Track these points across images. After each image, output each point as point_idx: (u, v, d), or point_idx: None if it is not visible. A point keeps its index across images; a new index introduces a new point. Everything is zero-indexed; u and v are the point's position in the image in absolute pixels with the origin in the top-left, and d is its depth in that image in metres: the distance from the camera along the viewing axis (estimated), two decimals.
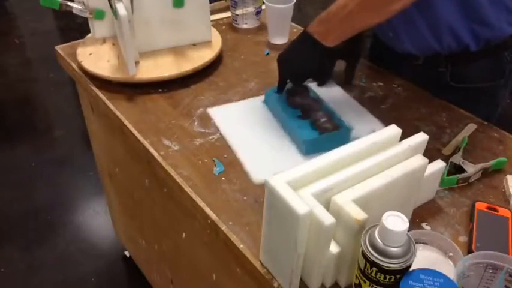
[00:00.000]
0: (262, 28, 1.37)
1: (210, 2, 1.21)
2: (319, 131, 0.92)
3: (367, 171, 0.67)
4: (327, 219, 0.59)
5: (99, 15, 1.15)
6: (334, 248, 0.64)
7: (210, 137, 0.98)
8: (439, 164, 0.81)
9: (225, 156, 0.93)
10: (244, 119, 1.02)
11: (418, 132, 0.73)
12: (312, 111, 0.96)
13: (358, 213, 0.61)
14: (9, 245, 1.93)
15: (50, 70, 2.91)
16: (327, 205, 0.64)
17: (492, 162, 0.88)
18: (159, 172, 0.94)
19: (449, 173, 0.86)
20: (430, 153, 0.91)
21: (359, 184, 0.65)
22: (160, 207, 1.14)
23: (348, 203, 0.62)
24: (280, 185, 0.61)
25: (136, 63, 1.13)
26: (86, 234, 1.98)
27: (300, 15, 3.46)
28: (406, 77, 1.14)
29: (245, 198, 0.84)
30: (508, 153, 0.92)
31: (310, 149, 0.91)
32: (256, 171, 0.88)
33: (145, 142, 0.96)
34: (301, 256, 0.63)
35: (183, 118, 1.03)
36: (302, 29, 1.36)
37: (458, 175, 0.85)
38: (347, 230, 0.62)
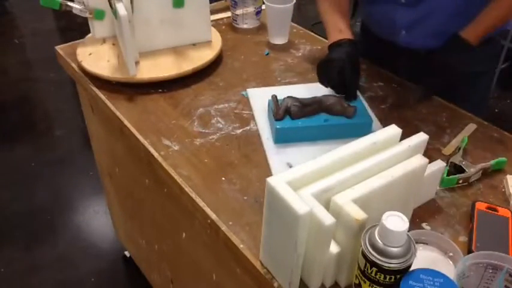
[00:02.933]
0: (262, 28, 1.37)
1: (210, 2, 1.21)
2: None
3: (367, 171, 0.67)
4: (327, 219, 0.59)
5: (99, 15, 1.15)
6: (334, 248, 0.64)
7: (210, 137, 0.98)
8: (439, 164, 0.81)
9: (225, 156, 0.93)
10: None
11: (418, 132, 0.73)
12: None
13: (358, 213, 0.61)
14: (9, 245, 1.93)
15: (50, 70, 2.91)
16: (327, 205, 0.64)
17: (492, 162, 0.88)
18: (159, 172, 0.94)
19: (449, 173, 0.86)
20: (430, 153, 0.91)
21: (359, 184, 0.65)
22: (160, 207, 1.14)
23: (348, 203, 0.62)
24: (280, 185, 0.61)
25: (136, 63, 1.13)
26: (86, 234, 1.98)
27: (300, 15, 3.47)
28: (404, 66, 1.16)
29: (245, 198, 0.84)
30: (508, 153, 0.92)
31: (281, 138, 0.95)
32: None
33: (145, 142, 0.96)
34: (301, 256, 0.63)
35: (183, 118, 1.03)
36: (302, 29, 1.38)
37: (458, 175, 0.85)
38: (347, 230, 0.62)
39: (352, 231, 0.62)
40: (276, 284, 0.70)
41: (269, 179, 0.62)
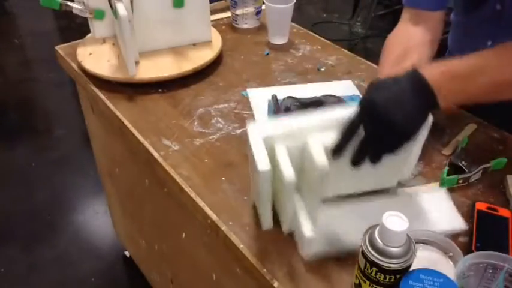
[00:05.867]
0: (262, 28, 1.37)
1: (210, 2, 1.21)
2: None
3: None
4: (288, 175, 0.65)
5: (99, 15, 1.15)
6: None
7: (210, 137, 0.98)
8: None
9: (225, 156, 0.93)
10: None
11: None
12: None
13: (321, 160, 0.65)
14: (9, 245, 1.93)
15: (50, 70, 2.91)
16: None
17: (492, 162, 0.88)
18: (159, 172, 0.94)
19: (449, 173, 0.86)
20: (430, 153, 0.91)
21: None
22: (160, 207, 1.14)
23: (317, 147, 0.66)
24: (255, 137, 0.68)
25: (136, 63, 1.13)
26: (86, 234, 1.98)
27: (300, 15, 3.47)
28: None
29: (245, 198, 0.84)
30: (508, 153, 0.92)
31: None
32: None
33: (145, 142, 0.96)
34: (266, 200, 0.71)
35: (183, 118, 1.03)
36: (302, 29, 1.38)
37: (458, 175, 0.85)
38: (311, 172, 0.67)
39: (314, 177, 0.67)
40: (276, 284, 0.70)
41: (249, 129, 0.69)
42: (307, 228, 0.68)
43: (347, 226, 0.74)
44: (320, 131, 0.69)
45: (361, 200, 0.80)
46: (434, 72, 0.70)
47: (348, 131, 0.67)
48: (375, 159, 0.68)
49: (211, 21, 1.26)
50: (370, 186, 0.79)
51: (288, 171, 0.65)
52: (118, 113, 1.05)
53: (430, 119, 0.72)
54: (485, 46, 0.98)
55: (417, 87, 0.69)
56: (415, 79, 0.69)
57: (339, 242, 0.73)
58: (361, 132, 0.67)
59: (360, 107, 0.68)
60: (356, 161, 0.68)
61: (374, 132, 0.67)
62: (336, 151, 0.67)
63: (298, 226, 0.71)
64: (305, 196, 0.73)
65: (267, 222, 0.75)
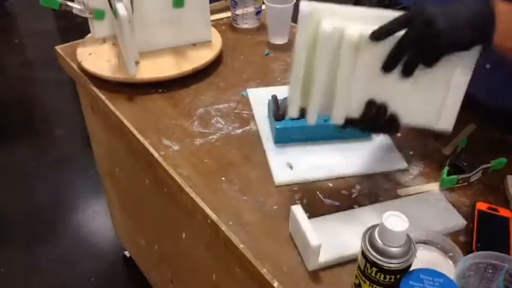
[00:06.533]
0: (262, 28, 1.37)
1: (210, 2, 1.21)
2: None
3: None
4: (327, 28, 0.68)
5: (99, 15, 1.15)
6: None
7: (210, 137, 0.98)
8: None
9: (225, 156, 0.93)
10: None
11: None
12: None
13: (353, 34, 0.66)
14: (9, 245, 1.93)
15: (50, 70, 2.91)
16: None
17: (492, 162, 0.88)
18: (159, 172, 0.94)
19: (449, 173, 0.86)
20: (430, 153, 0.91)
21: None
22: (161, 207, 1.14)
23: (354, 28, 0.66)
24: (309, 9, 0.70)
25: (136, 63, 1.13)
26: (86, 234, 1.98)
27: None
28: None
29: (245, 198, 0.84)
30: (508, 153, 0.92)
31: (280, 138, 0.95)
32: None
33: (145, 142, 0.97)
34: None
35: (183, 118, 1.03)
36: None
37: (458, 175, 0.85)
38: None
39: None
40: (276, 284, 0.70)
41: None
42: (312, 238, 0.68)
43: (350, 234, 0.74)
44: (364, 23, 0.66)
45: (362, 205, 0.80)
46: (504, 6, 0.66)
47: (393, 22, 0.65)
48: (408, 67, 0.66)
49: (211, 21, 1.26)
50: (402, 109, 0.72)
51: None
52: (118, 113, 1.05)
53: (476, 56, 0.68)
54: (484, 68, 0.95)
55: (479, 8, 0.66)
56: (482, 1, 0.66)
57: (344, 250, 0.72)
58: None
59: (412, 7, 0.68)
60: (389, 62, 0.66)
61: (416, 31, 0.64)
62: (374, 35, 0.66)
63: (303, 237, 0.70)
64: (331, 101, 0.72)
65: (295, 105, 0.74)
